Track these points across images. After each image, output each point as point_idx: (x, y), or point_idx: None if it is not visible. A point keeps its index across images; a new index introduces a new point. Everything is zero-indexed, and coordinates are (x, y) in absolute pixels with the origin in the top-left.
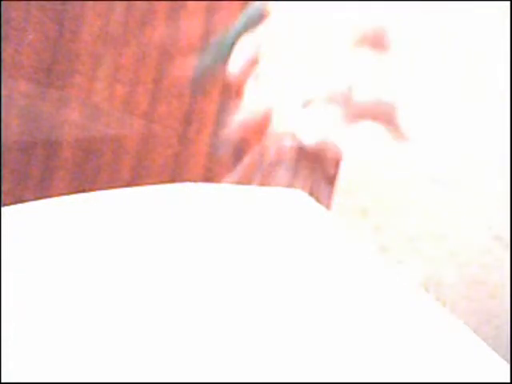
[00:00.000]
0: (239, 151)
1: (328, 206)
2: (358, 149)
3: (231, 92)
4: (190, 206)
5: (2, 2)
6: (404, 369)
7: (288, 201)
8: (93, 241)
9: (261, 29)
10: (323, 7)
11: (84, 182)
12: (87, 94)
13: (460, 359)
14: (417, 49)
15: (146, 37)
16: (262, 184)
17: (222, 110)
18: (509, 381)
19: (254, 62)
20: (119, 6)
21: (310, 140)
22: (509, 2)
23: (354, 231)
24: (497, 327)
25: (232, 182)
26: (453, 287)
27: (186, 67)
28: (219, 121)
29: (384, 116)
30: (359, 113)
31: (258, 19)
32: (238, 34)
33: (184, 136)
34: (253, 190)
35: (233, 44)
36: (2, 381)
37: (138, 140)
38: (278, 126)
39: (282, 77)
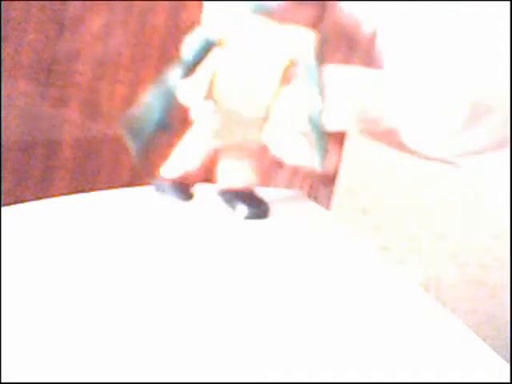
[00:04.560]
0: None
1: (327, 207)
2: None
3: None
4: (189, 206)
5: (2, 2)
6: (404, 368)
7: (287, 201)
8: (93, 241)
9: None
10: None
11: (84, 182)
12: (87, 94)
13: (460, 359)
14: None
15: (146, 37)
16: (261, 185)
17: None
18: (509, 381)
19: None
20: (119, 5)
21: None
22: (509, 2)
23: (354, 231)
24: (497, 327)
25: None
26: (453, 287)
27: None
28: None
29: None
30: None
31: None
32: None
33: (184, 136)
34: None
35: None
36: (2, 381)
37: None
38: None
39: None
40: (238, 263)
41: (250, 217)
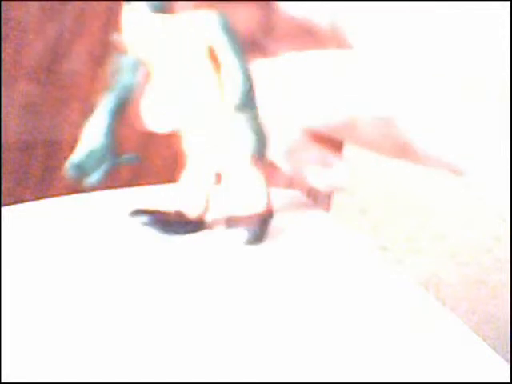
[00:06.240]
0: None
1: (327, 207)
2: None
3: None
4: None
5: (2, 2)
6: (403, 368)
7: (286, 202)
8: (93, 241)
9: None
10: None
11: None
12: (87, 94)
13: (460, 359)
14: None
15: None
16: None
17: None
18: (509, 381)
19: None
20: (119, 5)
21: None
22: (509, 2)
23: (353, 231)
24: (497, 327)
25: None
26: (453, 287)
27: None
28: None
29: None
30: None
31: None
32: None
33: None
34: None
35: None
36: (2, 381)
37: (137, 140)
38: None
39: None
40: (236, 263)
41: (250, 242)
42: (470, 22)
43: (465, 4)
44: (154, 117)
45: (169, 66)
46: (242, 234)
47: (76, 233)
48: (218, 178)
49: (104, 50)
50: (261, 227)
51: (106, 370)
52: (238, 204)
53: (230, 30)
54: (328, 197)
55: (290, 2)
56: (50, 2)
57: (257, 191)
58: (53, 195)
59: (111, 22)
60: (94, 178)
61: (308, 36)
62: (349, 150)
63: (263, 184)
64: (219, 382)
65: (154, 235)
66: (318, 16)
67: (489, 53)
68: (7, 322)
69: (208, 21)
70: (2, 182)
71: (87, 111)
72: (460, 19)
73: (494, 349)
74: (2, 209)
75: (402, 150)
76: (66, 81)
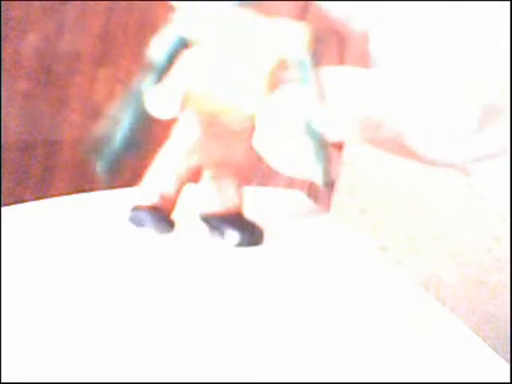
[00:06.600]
0: None
1: (327, 207)
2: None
3: None
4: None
5: (2, 2)
6: (403, 369)
7: (286, 201)
8: (93, 241)
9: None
10: None
11: (84, 182)
12: (87, 94)
13: (460, 359)
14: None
15: (146, 37)
16: (261, 185)
17: None
18: (509, 381)
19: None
20: (119, 5)
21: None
22: (509, 2)
23: (353, 231)
24: (497, 327)
25: None
26: (453, 287)
27: None
28: None
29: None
30: None
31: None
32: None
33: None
34: (252, 190)
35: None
36: (2, 381)
37: None
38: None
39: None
40: (236, 263)
41: (242, 244)
42: (470, 22)
43: (465, 4)
44: (157, 102)
45: (226, 58)
46: (232, 236)
47: (76, 233)
48: (196, 176)
49: (104, 50)
50: (250, 230)
51: (105, 370)
52: (215, 203)
53: (314, 51)
54: (328, 197)
55: (332, 3)
56: (49, 1)
57: (232, 192)
58: (53, 195)
59: (111, 22)
60: (103, 167)
61: (339, 40)
62: (349, 150)
63: (236, 185)
64: (219, 382)
65: (154, 235)
66: (357, 20)
67: (489, 53)
68: (7, 322)
69: (297, 33)
70: (2, 181)
71: (87, 111)
72: (460, 19)
73: (494, 349)
74: (2, 209)
75: (402, 148)
76: (66, 81)
